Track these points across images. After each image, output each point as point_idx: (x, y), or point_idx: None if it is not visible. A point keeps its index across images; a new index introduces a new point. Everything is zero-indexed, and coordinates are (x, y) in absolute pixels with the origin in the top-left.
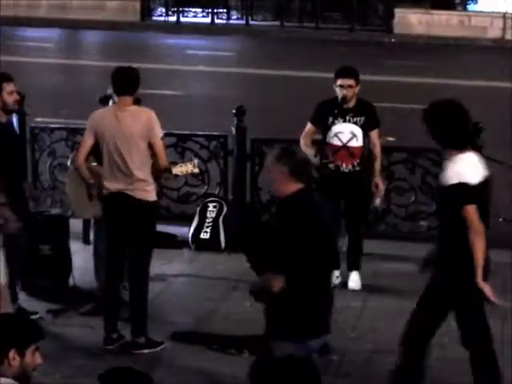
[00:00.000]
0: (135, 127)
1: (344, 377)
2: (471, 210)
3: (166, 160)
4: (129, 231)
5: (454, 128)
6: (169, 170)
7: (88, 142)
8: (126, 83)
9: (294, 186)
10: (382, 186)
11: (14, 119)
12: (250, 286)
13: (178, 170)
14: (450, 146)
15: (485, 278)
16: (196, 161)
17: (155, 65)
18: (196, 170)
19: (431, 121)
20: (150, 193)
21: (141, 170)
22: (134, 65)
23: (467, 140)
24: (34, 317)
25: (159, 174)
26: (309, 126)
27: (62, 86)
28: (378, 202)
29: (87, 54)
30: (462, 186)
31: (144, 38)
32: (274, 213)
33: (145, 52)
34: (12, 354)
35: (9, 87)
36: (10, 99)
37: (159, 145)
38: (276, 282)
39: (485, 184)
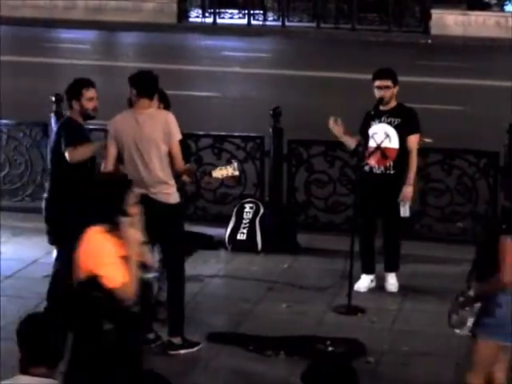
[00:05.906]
0: (155, 130)
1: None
2: None
3: (182, 163)
4: (156, 234)
5: None
6: (209, 174)
7: (112, 149)
8: (147, 86)
9: None
10: (408, 196)
11: (53, 120)
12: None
13: (218, 173)
14: None
15: None
16: (236, 163)
17: (192, 66)
18: (236, 173)
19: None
20: (172, 195)
21: (162, 172)
22: (171, 66)
23: None
24: None
25: (177, 176)
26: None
27: (99, 87)
28: (403, 211)
29: (123, 56)
30: None
31: (181, 39)
32: None
33: (181, 54)
34: None
35: (88, 93)
36: (90, 105)
37: (176, 147)
38: None
39: None
